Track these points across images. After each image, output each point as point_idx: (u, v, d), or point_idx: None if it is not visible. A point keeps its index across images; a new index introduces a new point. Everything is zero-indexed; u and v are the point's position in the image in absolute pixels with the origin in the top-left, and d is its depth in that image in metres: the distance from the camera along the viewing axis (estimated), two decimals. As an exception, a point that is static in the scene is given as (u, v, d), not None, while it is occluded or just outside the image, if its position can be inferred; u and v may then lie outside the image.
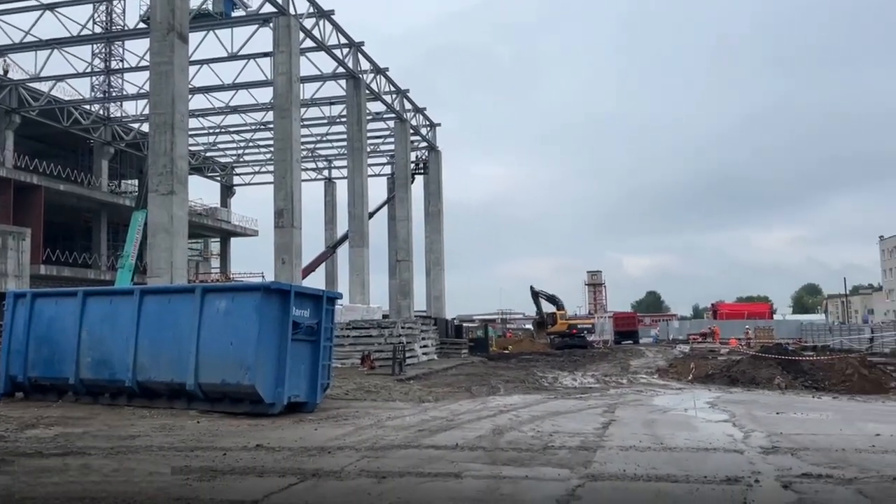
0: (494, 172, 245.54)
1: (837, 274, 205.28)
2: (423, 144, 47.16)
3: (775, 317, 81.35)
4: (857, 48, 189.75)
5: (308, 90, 37.51)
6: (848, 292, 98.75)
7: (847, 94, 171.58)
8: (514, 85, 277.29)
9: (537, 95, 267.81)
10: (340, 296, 15.46)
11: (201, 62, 32.96)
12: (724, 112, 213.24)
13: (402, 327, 26.68)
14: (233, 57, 32.04)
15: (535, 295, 53.47)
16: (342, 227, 47.33)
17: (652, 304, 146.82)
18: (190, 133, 26.23)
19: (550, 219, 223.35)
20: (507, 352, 41.34)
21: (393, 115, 41.30)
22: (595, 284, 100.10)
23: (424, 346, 29.25)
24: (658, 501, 6.13)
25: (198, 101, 38.05)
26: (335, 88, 37.51)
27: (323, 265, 49.79)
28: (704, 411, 13.17)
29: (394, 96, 40.09)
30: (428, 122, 46.32)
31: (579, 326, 52.83)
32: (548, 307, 54.10)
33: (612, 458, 8.13)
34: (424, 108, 44.46)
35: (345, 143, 40.59)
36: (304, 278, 33.96)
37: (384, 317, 33.72)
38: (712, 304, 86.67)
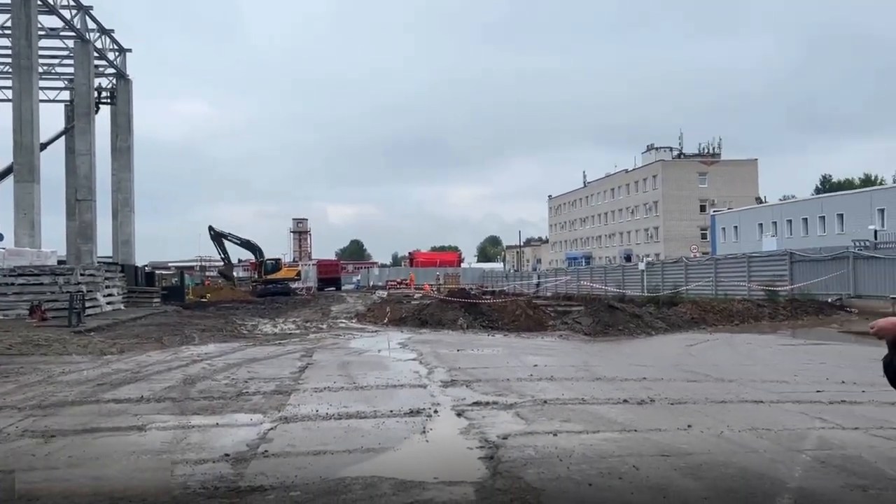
0: (197, 110, 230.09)
1: (514, 227, 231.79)
2: (111, 71, 42.19)
3: (463, 265, 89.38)
4: (550, 23, 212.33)
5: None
6: (522, 244, 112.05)
7: (533, 72, 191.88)
8: (219, 19, 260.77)
9: (245, 35, 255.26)
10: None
11: None
12: (431, 73, 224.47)
13: (82, 274, 24.03)
14: None
15: (218, 237, 49.25)
16: (6, 157, 40.63)
17: (355, 252, 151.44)
18: None
19: (255, 163, 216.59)
20: (204, 300, 39.62)
21: (73, 34, 36.20)
22: (300, 232, 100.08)
23: (109, 296, 26.74)
24: (347, 436, 6.40)
25: None
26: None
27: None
28: (396, 351, 14.05)
29: (74, 12, 35.11)
30: (117, 47, 41.43)
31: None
32: (241, 254, 52.16)
33: (306, 399, 8.30)
34: (112, 31, 39.68)
35: (9, 60, 34.63)
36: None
37: (60, 263, 29.96)
38: (409, 253, 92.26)
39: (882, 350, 2.90)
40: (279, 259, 54.98)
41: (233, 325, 21.40)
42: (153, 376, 10.42)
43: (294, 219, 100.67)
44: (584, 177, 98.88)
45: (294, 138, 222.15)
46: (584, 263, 69.61)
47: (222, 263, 51.75)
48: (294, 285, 53.92)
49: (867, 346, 12.71)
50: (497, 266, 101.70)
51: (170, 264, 70.64)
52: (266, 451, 5.87)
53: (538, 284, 48.26)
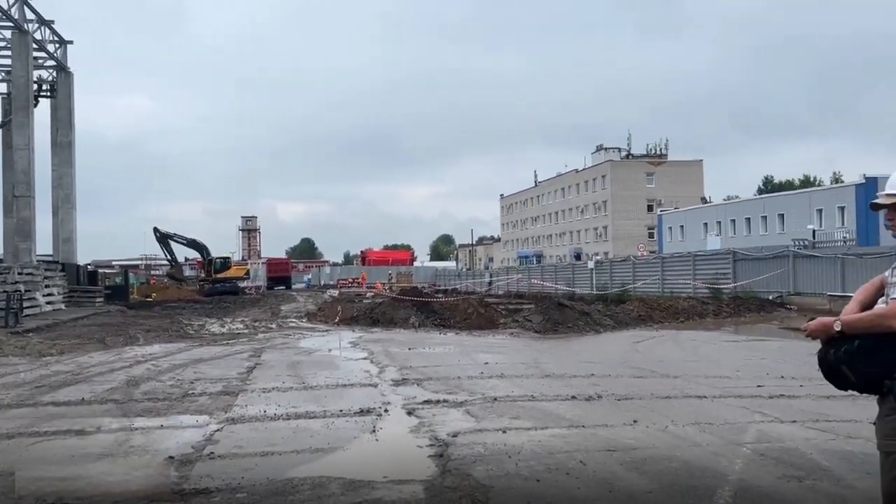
0: (142, 105, 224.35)
1: (466, 226, 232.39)
2: (51, 63, 40.80)
3: (416, 263, 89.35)
4: (496, 25, 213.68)
5: None
6: (474, 243, 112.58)
7: (487, 72, 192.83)
8: (165, 11, 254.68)
9: (192, 28, 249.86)
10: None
11: None
12: (385, 71, 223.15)
13: (20, 273, 23.21)
14: None
15: (164, 238, 48.30)
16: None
17: (306, 250, 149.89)
18: None
19: (202, 160, 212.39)
20: (150, 300, 38.66)
21: (10, 24, 34.89)
22: (250, 230, 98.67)
23: (49, 295, 25.90)
24: (296, 436, 6.34)
25: None
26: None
27: None
28: (347, 351, 13.96)
29: (11, 1, 33.83)
30: (57, 39, 40.08)
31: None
32: (187, 253, 51.14)
33: (253, 400, 8.18)
34: (52, 22, 38.36)
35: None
36: None
37: (-3, 261, 28.89)
38: (361, 252, 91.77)
39: (818, 345, 3.00)
40: (228, 257, 53.97)
41: (179, 325, 20.95)
42: (95, 378, 10.13)
43: (243, 216, 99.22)
44: (536, 176, 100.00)
45: (243, 134, 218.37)
46: (535, 262, 70.38)
47: (169, 265, 50.55)
48: (242, 284, 53.08)
49: (805, 342, 13.07)
50: (450, 265, 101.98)
51: (114, 263, 68.61)
52: (212, 452, 5.76)
53: (490, 283, 48.56)
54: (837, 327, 2.84)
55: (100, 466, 5.42)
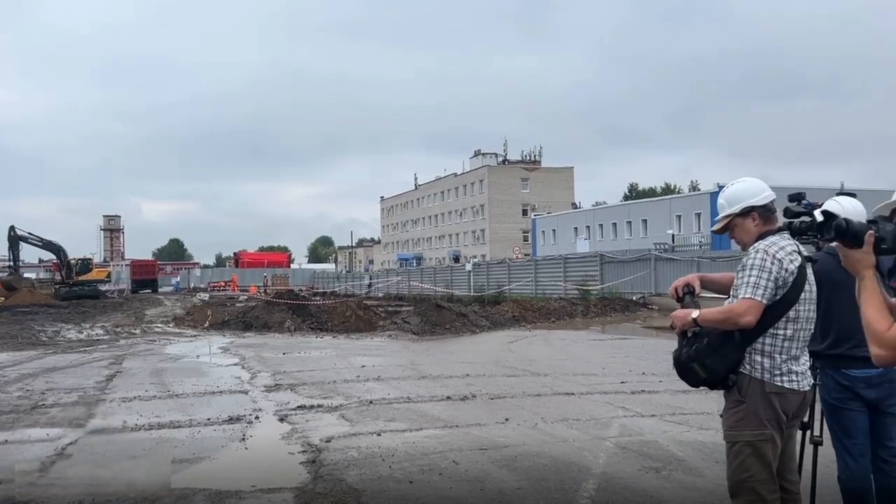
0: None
1: (346, 227, 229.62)
2: None
3: (293, 266, 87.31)
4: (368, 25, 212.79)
5: None
6: (354, 245, 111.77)
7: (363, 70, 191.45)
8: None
9: (47, 16, 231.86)
10: None
11: None
12: (259, 66, 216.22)
13: None
14: None
15: (18, 240, 44.02)
16: None
17: (175, 251, 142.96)
18: None
19: (58, 154, 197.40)
20: (-4, 304, 35.48)
21: None
22: (112, 230, 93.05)
23: None
24: (159, 448, 6.00)
25: None
26: None
27: None
28: (217, 357, 13.43)
29: None
30: None
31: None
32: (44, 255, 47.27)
33: (113, 410, 7.69)
34: None
35: None
36: None
37: None
38: (235, 254, 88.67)
39: (676, 344, 3.19)
40: (90, 259, 50.47)
41: (30, 332, 19.36)
42: (-73, 391, 9.16)
43: (105, 216, 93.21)
44: (416, 179, 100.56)
45: (103, 128, 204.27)
46: (415, 264, 70.67)
47: (8, 270, 46.10)
48: (104, 288, 49.84)
49: (665, 340, 13.99)
50: (329, 267, 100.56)
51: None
52: (64, 467, 5.35)
53: (370, 285, 48.34)
54: (694, 314, 3.04)
55: (-71, 489, 4.89)
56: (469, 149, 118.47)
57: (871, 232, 2.15)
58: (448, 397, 8.25)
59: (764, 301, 2.90)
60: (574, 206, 70.86)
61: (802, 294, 2.97)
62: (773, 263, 2.92)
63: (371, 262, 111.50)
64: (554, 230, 61.96)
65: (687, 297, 3.20)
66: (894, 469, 3.57)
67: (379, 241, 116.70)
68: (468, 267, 38.86)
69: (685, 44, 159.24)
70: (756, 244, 3.02)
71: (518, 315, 21.24)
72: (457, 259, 71.52)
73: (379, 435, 6.32)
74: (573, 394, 8.46)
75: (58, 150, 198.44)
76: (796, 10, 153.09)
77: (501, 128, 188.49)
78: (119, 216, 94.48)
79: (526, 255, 56.36)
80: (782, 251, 2.95)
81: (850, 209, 3.68)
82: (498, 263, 38.29)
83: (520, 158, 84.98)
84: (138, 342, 16.63)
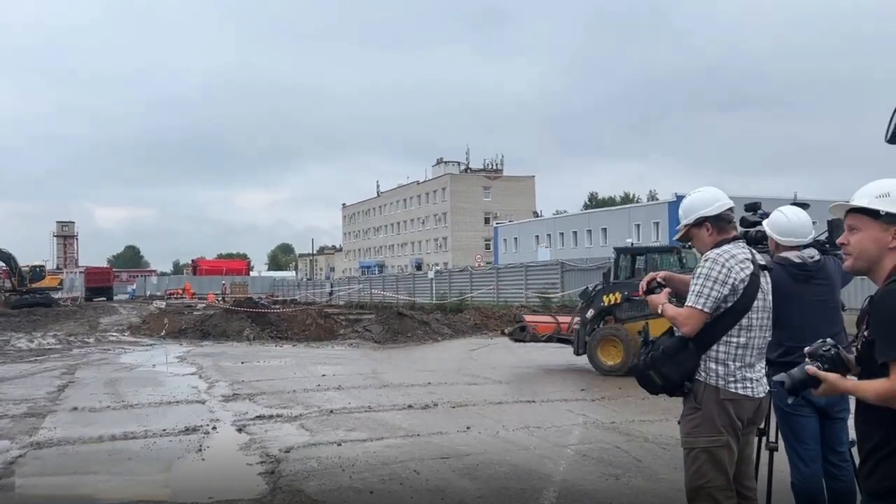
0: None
1: (306, 235, 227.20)
2: None
3: (252, 273, 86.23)
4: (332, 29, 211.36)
5: None
6: (315, 252, 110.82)
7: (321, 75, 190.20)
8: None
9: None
10: None
11: None
12: (218, 70, 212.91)
13: None
14: None
15: None
16: None
17: (131, 258, 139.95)
18: None
19: (7, 158, 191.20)
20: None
21: None
22: (66, 236, 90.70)
23: None
24: (112, 459, 5.85)
25: None
26: None
27: None
28: (173, 366, 13.17)
29: None
30: None
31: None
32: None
33: (64, 421, 7.48)
34: None
35: None
36: None
37: None
38: (193, 261, 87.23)
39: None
40: (43, 266, 49.09)
41: (-22, 341, 18.75)
42: None
43: (58, 222, 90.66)
44: (378, 187, 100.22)
45: (55, 132, 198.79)
46: (377, 272, 70.38)
47: None
48: (56, 295, 48.53)
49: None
50: (289, 274, 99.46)
51: None
52: (11, 482, 5.17)
53: (331, 293, 47.95)
54: (659, 311, 3.14)
55: None
56: (431, 157, 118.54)
57: (808, 368, 2.16)
58: (409, 406, 8.21)
59: (706, 310, 2.94)
60: (535, 214, 71.37)
61: (756, 302, 3.02)
62: (720, 273, 2.97)
63: (332, 269, 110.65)
64: (516, 238, 62.32)
65: (658, 289, 3.27)
66: (844, 473, 3.66)
67: (340, 249, 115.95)
68: (430, 275, 38.85)
69: (641, 55, 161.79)
70: (707, 253, 3.08)
71: (480, 323, 21.27)
72: (419, 267, 71.43)
73: (339, 445, 6.25)
74: (534, 401, 8.50)
75: (8, 155, 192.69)
76: (742, 33, 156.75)
77: (464, 136, 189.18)
78: (73, 222, 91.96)
79: (488, 262, 56.56)
80: (733, 259, 3.00)
81: (794, 220, 3.79)
82: (460, 271, 38.34)
83: (482, 167, 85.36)
84: (92, 351, 16.22)
